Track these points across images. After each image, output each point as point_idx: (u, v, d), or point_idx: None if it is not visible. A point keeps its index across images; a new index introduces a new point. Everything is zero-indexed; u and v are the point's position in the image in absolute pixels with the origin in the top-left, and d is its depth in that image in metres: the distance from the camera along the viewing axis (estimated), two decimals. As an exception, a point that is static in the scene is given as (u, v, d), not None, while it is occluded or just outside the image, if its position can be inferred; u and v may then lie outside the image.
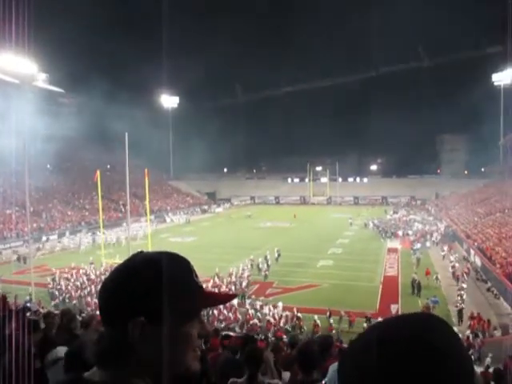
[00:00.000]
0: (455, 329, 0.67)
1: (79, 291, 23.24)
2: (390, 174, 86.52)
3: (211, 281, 23.68)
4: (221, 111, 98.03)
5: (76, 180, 62.63)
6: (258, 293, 23.96)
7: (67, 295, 23.10)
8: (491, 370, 9.79)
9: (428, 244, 36.54)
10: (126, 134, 26.10)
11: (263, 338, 12.81)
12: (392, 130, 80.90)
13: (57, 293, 23.38)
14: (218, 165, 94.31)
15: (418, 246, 33.39)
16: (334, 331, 17.55)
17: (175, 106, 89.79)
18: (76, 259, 30.62)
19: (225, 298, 1.11)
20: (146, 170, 31.30)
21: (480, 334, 17.35)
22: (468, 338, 16.38)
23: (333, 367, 2.75)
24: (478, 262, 29.14)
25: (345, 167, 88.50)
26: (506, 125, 64.92)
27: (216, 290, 20.84)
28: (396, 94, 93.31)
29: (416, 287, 23.36)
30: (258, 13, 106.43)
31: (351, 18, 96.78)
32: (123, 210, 52.35)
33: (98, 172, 31.33)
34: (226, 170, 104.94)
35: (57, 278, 24.98)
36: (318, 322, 18.28)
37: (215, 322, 18.73)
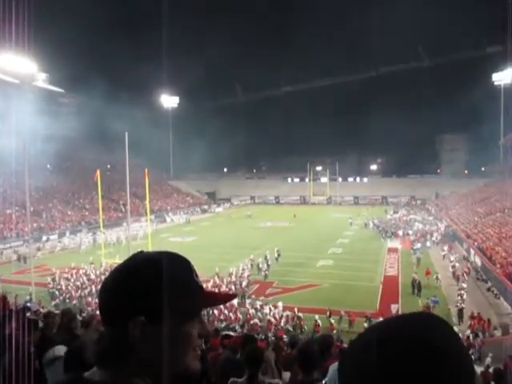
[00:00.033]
0: (455, 328, 0.71)
1: (79, 291, 23.25)
2: (390, 174, 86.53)
3: (211, 281, 23.68)
4: (221, 111, 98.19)
5: (76, 180, 62.63)
6: (258, 292, 23.97)
7: (67, 295, 23.12)
8: (491, 369, 9.79)
9: (428, 244, 36.54)
10: (126, 133, 26.11)
11: (263, 337, 12.80)
12: (392, 129, 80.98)
13: (57, 293, 23.39)
14: (218, 164, 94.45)
15: (418, 245, 33.39)
16: (334, 331, 17.55)
17: (175, 105, 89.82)
18: (76, 259, 30.63)
19: (225, 298, 1.11)
20: (146, 170, 31.32)
21: (480, 333, 17.35)
22: (468, 337, 16.38)
23: (333, 367, 2.75)
24: (478, 261, 29.13)
25: (345, 167, 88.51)
26: (506, 124, 64.97)
27: (216, 290, 20.83)
28: (396, 94, 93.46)
29: (416, 287, 23.36)
30: (257, 13, 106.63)
31: (351, 17, 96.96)
32: (123, 209, 52.35)
33: (98, 172, 31.34)
34: (226, 169, 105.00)
35: (57, 278, 25.00)
36: (319, 321, 18.29)
37: (216, 322, 18.73)
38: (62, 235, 43.69)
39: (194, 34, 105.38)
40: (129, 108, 67.34)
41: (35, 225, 41.94)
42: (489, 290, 24.28)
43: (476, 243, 31.47)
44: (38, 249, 36.35)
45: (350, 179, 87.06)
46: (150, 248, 25.10)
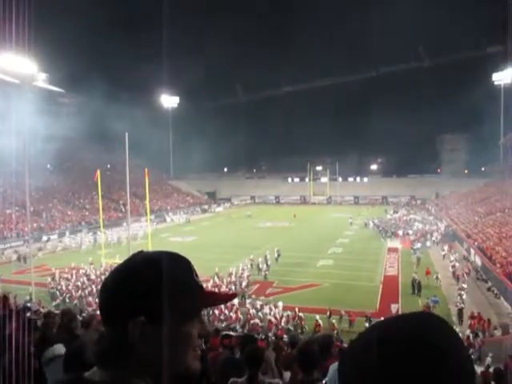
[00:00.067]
0: (455, 328, 0.73)
1: (80, 291, 23.25)
2: (390, 174, 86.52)
3: (211, 281, 23.68)
4: (221, 111, 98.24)
5: (76, 180, 62.64)
6: (258, 292, 23.97)
7: (68, 295, 23.12)
8: (491, 369, 9.79)
9: (428, 243, 36.53)
10: (126, 133, 26.12)
11: (263, 337, 12.81)
12: (392, 129, 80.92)
13: (57, 293, 23.39)
14: (218, 164, 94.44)
15: (419, 245, 33.39)
16: (335, 331, 17.54)
17: (175, 105, 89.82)
18: (77, 259, 30.63)
19: (225, 298, 1.11)
20: (146, 170, 31.33)
21: (480, 333, 17.35)
22: (468, 337, 16.38)
23: (333, 367, 2.75)
24: (478, 261, 29.13)
25: (345, 167, 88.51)
26: (506, 124, 64.97)
27: (216, 290, 20.83)
28: (396, 94, 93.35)
29: (416, 287, 23.36)
30: (258, 13, 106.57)
31: (351, 17, 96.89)
32: (123, 209, 52.35)
33: (98, 172, 31.34)
34: (226, 169, 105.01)
35: (57, 278, 25.01)
36: (320, 321, 18.30)
37: (216, 322, 18.72)
38: (62, 235, 43.69)
39: (194, 34, 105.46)
40: (129, 108, 67.38)
41: (35, 225, 41.94)
42: (489, 289, 24.27)
43: (476, 243, 31.47)
44: (39, 249, 36.37)
45: (350, 179, 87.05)
46: (150, 248, 25.10)
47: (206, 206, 72.07)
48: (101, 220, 34.76)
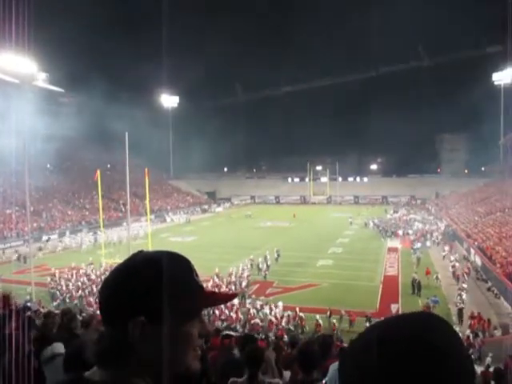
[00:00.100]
0: (455, 328, 0.74)
1: (80, 291, 23.25)
2: (390, 174, 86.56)
3: (211, 281, 23.68)
4: (221, 111, 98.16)
5: (76, 179, 62.64)
6: (258, 292, 23.97)
7: (68, 295, 23.12)
8: (491, 369, 9.80)
9: (428, 243, 36.54)
10: (126, 133, 26.12)
11: (264, 337, 12.81)
12: (392, 129, 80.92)
13: (58, 293, 23.39)
14: (218, 164, 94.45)
15: (419, 245, 33.39)
16: (336, 331, 17.54)
17: (175, 105, 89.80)
18: (77, 259, 30.64)
19: (225, 298, 1.11)
20: (146, 170, 31.35)
21: (480, 333, 17.35)
22: (468, 337, 16.38)
23: (333, 367, 2.75)
24: (478, 261, 29.13)
25: (345, 167, 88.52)
26: (506, 124, 64.97)
27: (216, 290, 20.82)
28: (396, 94, 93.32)
29: (416, 287, 23.36)
30: (258, 12, 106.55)
31: (351, 17, 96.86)
32: (123, 209, 52.35)
33: (98, 171, 31.36)
34: (226, 169, 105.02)
35: (57, 278, 25.01)
36: (321, 321, 18.30)
37: (217, 322, 18.73)
38: (62, 235, 43.71)
39: (194, 34, 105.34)
40: (129, 108, 67.34)
41: (35, 225, 41.94)
42: (489, 289, 24.27)
43: (476, 243, 31.47)
44: (40, 248, 36.40)
45: (350, 179, 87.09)
46: (150, 248, 25.10)
47: (205, 206, 72.07)
48: (101, 220, 34.77)
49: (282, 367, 4.88)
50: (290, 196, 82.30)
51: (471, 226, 37.86)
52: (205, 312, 16.64)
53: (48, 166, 61.58)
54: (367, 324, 16.95)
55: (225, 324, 18.61)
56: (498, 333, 18.10)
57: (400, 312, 13.89)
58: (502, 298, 22.44)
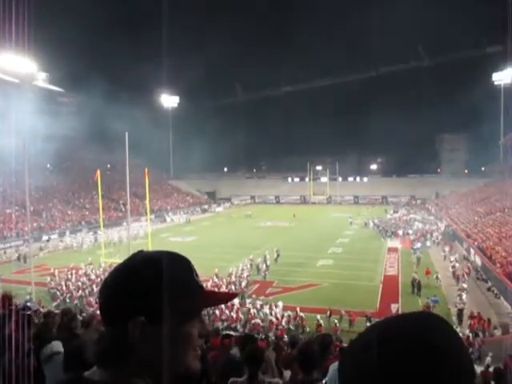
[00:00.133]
0: (455, 328, 0.73)
1: (80, 291, 23.25)
2: (390, 174, 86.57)
3: (210, 281, 23.67)
4: (221, 111, 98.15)
5: (76, 179, 62.63)
6: (258, 292, 23.96)
7: (68, 295, 23.12)
8: (491, 369, 9.79)
9: (428, 243, 36.54)
10: (126, 133, 26.13)
11: (264, 337, 12.81)
12: (392, 129, 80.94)
13: (58, 293, 23.39)
14: (218, 164, 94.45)
15: (419, 245, 33.39)
16: (338, 332, 17.54)
17: (175, 105, 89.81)
18: (78, 258, 30.65)
19: (225, 298, 1.11)
20: (146, 170, 31.35)
21: (480, 333, 17.36)
22: (468, 337, 16.39)
23: (333, 366, 2.75)
24: (478, 261, 29.14)
25: (345, 166, 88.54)
26: (506, 124, 64.98)
27: (216, 290, 20.80)
28: (396, 94, 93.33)
29: (416, 286, 23.36)
30: (258, 12, 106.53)
31: (351, 17, 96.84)
32: (123, 209, 52.35)
33: (98, 171, 31.34)
34: (226, 169, 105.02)
35: (57, 278, 25.00)
36: (321, 321, 18.30)
37: (218, 322, 18.73)
38: (62, 235, 43.70)
39: (194, 34, 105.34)
40: (129, 108, 67.32)
41: (35, 224, 41.94)
42: (489, 289, 24.28)
43: (476, 243, 31.48)
44: (41, 248, 36.41)
45: (350, 179, 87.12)
46: (150, 248, 25.10)
47: (205, 206, 72.07)
48: (101, 220, 34.76)
49: (282, 367, 4.88)
50: (289, 196, 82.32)
51: (471, 226, 37.86)
52: (205, 312, 16.63)
53: (48, 165, 61.56)
54: (367, 324, 16.95)
55: (225, 324, 18.62)
56: (497, 332, 18.11)
57: (400, 312, 13.89)
58: (501, 298, 22.45)
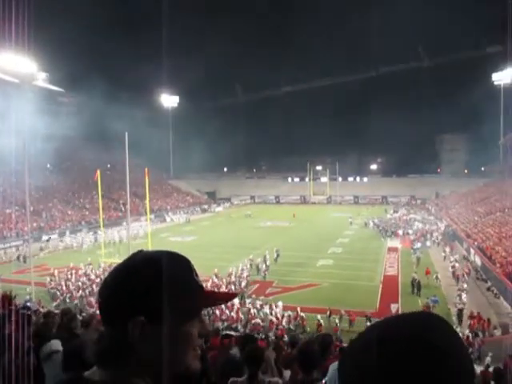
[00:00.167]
0: (455, 328, 0.74)
1: (80, 291, 23.25)
2: (390, 174, 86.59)
3: (210, 281, 23.67)
4: (221, 111, 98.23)
5: (76, 179, 62.63)
6: (258, 292, 23.96)
7: (68, 295, 23.12)
8: (491, 369, 9.79)
9: (428, 243, 36.54)
10: (126, 133, 26.12)
11: (263, 337, 12.81)
12: (392, 129, 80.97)
13: (58, 293, 23.39)
14: (218, 164, 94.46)
15: (418, 245, 33.40)
16: (338, 331, 17.54)
17: (175, 105, 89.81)
18: (78, 258, 30.65)
19: (225, 298, 1.11)
20: (146, 170, 31.36)
21: (480, 333, 17.36)
22: (468, 337, 16.39)
23: (333, 366, 2.75)
24: (478, 261, 29.14)
25: (345, 167, 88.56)
26: (505, 124, 64.98)
27: (216, 290, 20.78)
28: (396, 94, 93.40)
29: (416, 286, 23.36)
30: (258, 13, 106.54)
31: (351, 17, 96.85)
32: (123, 209, 52.35)
33: (98, 171, 31.34)
34: (226, 169, 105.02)
35: (57, 278, 24.99)
36: (322, 321, 18.31)
37: (218, 322, 18.72)
38: (62, 235, 43.70)
39: (194, 34, 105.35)
40: (129, 108, 67.38)
41: (35, 224, 41.94)
42: (489, 289, 24.28)
43: (476, 243, 31.48)
44: (41, 248, 36.41)
45: (350, 179, 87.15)
46: (150, 247, 25.08)
47: (205, 206, 72.08)
48: (101, 219, 34.76)
49: (281, 367, 4.88)
50: (289, 196, 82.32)
51: (471, 226, 37.86)
52: (205, 312, 16.60)
53: (48, 165, 61.55)
54: (367, 324, 16.95)
55: (225, 324, 18.62)
56: (497, 332, 18.11)
57: (400, 312, 13.89)
58: (501, 298, 22.45)
